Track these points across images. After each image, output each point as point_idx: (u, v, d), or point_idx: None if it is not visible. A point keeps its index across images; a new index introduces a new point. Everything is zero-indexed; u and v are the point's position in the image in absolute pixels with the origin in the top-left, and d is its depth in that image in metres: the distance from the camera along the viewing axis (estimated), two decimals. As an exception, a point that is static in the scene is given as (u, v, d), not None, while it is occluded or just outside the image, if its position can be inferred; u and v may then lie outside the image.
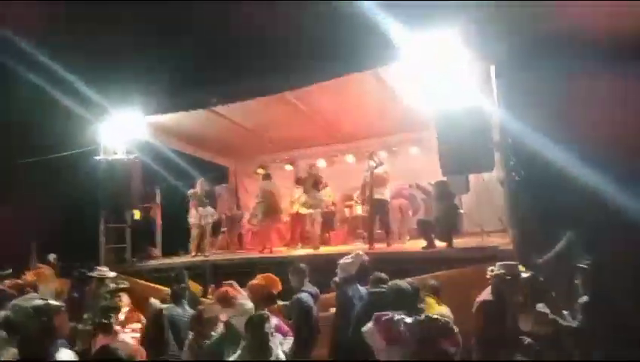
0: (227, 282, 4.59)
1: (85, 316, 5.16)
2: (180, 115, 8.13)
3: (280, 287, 4.98)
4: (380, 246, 7.83)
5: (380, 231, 8.51)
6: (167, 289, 5.93)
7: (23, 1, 8.80)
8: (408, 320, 3.21)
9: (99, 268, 6.24)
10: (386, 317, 3.34)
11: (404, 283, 3.91)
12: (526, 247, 5.26)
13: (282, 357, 3.47)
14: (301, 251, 8.73)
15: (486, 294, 4.00)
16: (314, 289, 4.96)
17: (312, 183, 8.46)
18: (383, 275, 4.59)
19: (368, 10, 5.81)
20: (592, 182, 4.63)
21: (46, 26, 9.08)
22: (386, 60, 6.37)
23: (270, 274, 5.03)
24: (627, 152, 4.58)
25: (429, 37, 5.89)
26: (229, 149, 11.62)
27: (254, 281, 4.84)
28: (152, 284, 7.23)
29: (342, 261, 4.94)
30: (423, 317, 3.13)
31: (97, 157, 8.31)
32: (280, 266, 7.14)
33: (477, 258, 5.82)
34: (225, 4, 7.40)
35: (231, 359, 3.64)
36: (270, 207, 8.86)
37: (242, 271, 6.35)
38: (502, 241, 6.46)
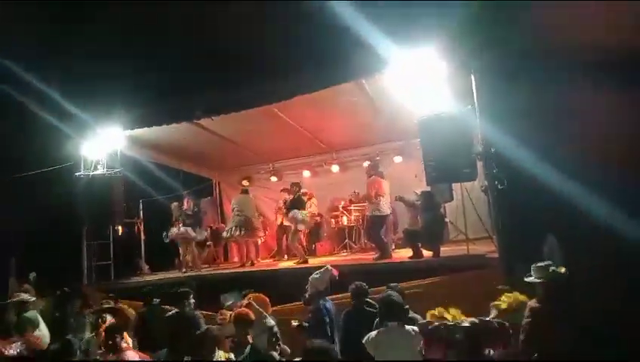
0: (246, 301, 4.61)
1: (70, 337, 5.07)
2: (162, 128, 8.04)
3: (270, 310, 4.98)
4: (365, 257, 7.83)
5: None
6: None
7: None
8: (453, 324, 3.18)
9: (17, 293, 6.13)
10: (432, 325, 3.32)
11: (396, 294, 4.01)
12: (511, 255, 5.32)
13: None
14: (288, 263, 8.70)
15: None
16: None
17: (294, 202, 8.48)
18: (364, 285, 4.70)
19: (352, 22, 5.85)
20: (574, 190, 4.70)
21: (22, 39, 8.92)
22: (369, 72, 6.42)
23: (260, 295, 5.01)
24: (610, 161, 4.68)
25: (412, 49, 5.94)
26: (213, 161, 11.54)
27: (243, 306, 4.81)
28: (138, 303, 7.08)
29: (311, 277, 5.03)
30: (469, 322, 3.07)
31: (78, 173, 8.16)
32: (266, 280, 7.18)
33: (464, 266, 5.89)
34: (208, 17, 7.37)
35: None
36: (246, 222, 8.82)
37: (228, 287, 6.30)
38: (487, 249, 6.53)
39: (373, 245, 7.80)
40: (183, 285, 5.99)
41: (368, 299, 4.71)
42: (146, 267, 9.77)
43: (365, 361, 3.97)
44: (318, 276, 5.02)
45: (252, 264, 8.87)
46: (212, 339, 3.90)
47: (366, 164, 10.26)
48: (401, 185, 9.33)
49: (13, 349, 4.51)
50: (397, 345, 3.64)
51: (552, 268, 3.82)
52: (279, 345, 4.12)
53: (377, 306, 4.28)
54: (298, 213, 8.33)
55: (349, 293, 4.86)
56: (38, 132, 9.04)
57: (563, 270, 3.82)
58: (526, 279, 3.95)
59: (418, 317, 4.22)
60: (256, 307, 4.45)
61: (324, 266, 5.27)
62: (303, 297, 5.10)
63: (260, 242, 10.35)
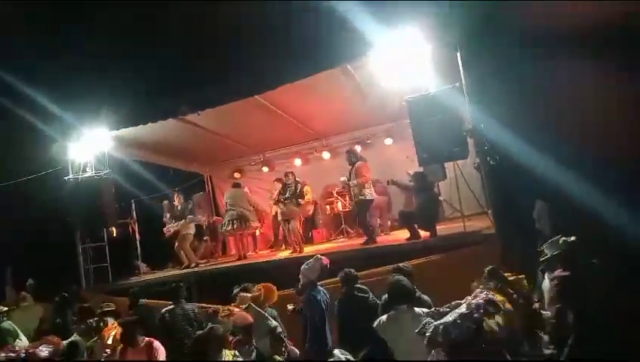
0: (256, 291, 4.63)
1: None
2: (149, 127, 7.92)
3: (275, 299, 4.99)
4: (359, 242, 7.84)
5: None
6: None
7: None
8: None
9: None
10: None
11: (403, 278, 4.05)
12: (507, 230, 5.36)
13: None
14: (285, 253, 8.70)
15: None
16: None
17: (289, 192, 8.44)
18: (353, 271, 4.80)
19: (333, 7, 5.77)
20: (564, 164, 4.76)
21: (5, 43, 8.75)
22: (355, 56, 6.34)
23: (269, 284, 5.03)
24: (598, 135, 4.73)
25: (395, 29, 5.88)
26: (202, 156, 11.45)
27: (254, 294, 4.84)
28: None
29: (303, 266, 5.07)
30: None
31: (67, 177, 8.05)
32: (263, 271, 7.19)
33: (461, 244, 5.92)
34: (189, 11, 7.24)
35: None
36: (240, 216, 8.80)
37: (229, 281, 6.31)
38: (483, 225, 6.56)
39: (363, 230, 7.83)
40: (179, 282, 6.09)
41: (358, 285, 4.76)
42: (144, 266, 9.74)
43: (364, 347, 4.01)
44: (308, 266, 5.07)
45: (245, 257, 8.88)
46: (218, 339, 3.79)
47: (357, 148, 10.25)
48: (393, 167, 9.36)
49: (44, 351, 4.69)
50: (407, 328, 3.66)
51: (563, 238, 3.87)
52: (285, 346, 4.07)
53: (371, 291, 4.37)
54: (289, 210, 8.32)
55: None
56: (23, 136, 8.93)
57: (573, 238, 3.86)
58: (542, 259, 3.95)
59: (426, 298, 4.27)
60: (256, 309, 4.38)
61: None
62: (296, 287, 5.16)
63: (258, 233, 10.36)
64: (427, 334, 3.04)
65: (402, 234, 7.44)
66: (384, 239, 8.08)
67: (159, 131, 8.52)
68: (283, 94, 7.43)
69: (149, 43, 7.60)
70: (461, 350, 2.90)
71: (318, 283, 5.14)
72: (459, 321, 2.99)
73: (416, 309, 3.81)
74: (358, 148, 10.22)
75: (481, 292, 3.32)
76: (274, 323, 3.95)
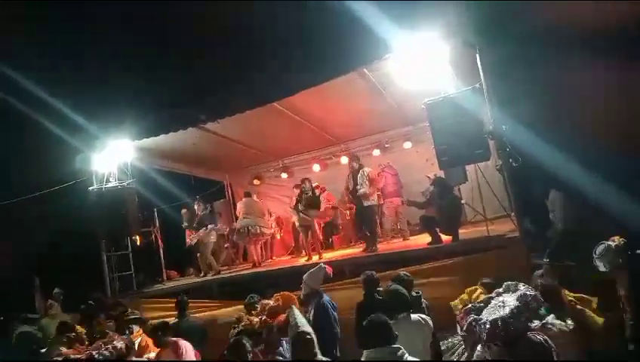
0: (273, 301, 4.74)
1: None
2: (170, 136, 8.01)
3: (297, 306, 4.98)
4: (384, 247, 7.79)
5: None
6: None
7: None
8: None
9: None
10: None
11: (401, 288, 4.08)
12: (532, 233, 5.25)
13: None
14: (303, 259, 8.68)
15: None
16: None
17: (306, 200, 8.44)
18: (375, 274, 4.79)
19: (349, 10, 5.76)
20: (588, 164, 4.66)
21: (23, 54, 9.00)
22: (371, 59, 6.29)
23: (287, 293, 5.01)
24: (622, 135, 4.64)
25: (413, 31, 5.82)
26: (222, 164, 11.55)
27: (272, 303, 4.84)
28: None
29: (305, 276, 5.02)
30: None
31: (91, 188, 8.21)
32: (284, 277, 7.19)
33: (485, 248, 5.82)
34: (207, 20, 7.33)
35: None
36: (252, 225, 8.83)
37: (249, 287, 6.35)
38: (507, 229, 6.45)
39: (369, 235, 7.77)
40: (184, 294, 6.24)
41: (379, 289, 4.72)
42: (174, 273, 9.87)
43: None
44: (312, 274, 5.02)
45: (261, 263, 8.94)
46: (244, 348, 3.79)
47: (376, 152, 10.23)
48: (412, 171, 9.29)
49: (120, 344, 4.88)
50: (406, 335, 3.60)
51: (615, 243, 3.72)
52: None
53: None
54: (308, 217, 8.27)
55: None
56: (48, 148, 9.14)
57: (621, 241, 3.73)
58: (602, 269, 3.75)
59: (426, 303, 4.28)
60: (293, 311, 4.32)
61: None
62: (299, 298, 5.09)
63: (278, 237, 10.39)
64: (485, 331, 2.97)
65: (423, 239, 7.36)
66: (405, 244, 8.01)
67: (180, 140, 8.61)
68: (301, 100, 7.44)
69: (168, 53, 7.71)
70: (518, 340, 2.85)
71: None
72: (515, 312, 2.93)
73: (413, 316, 3.83)
74: (377, 153, 10.24)
75: (524, 286, 3.29)
76: (301, 328, 3.79)
